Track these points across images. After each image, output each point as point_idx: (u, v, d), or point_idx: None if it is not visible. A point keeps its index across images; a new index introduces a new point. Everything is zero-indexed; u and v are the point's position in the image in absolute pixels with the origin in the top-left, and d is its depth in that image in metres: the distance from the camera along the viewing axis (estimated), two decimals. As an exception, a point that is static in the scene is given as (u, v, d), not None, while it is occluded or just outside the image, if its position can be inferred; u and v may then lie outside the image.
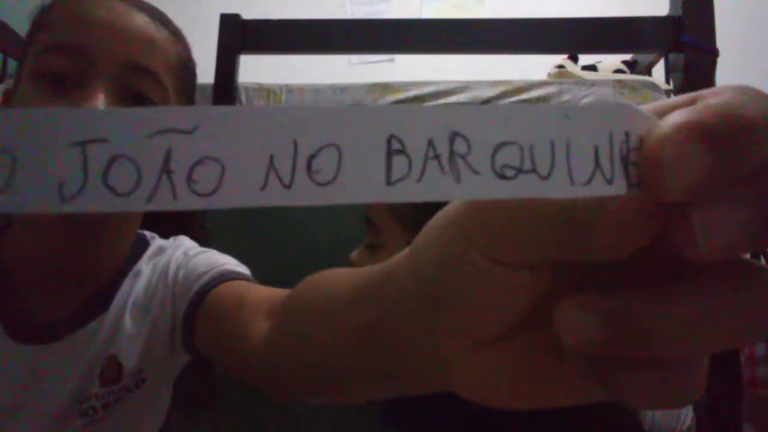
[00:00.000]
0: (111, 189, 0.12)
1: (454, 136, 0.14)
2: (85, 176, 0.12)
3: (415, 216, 0.67)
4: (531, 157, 0.14)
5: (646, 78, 1.39)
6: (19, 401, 0.49)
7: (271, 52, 1.40)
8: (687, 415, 1.30)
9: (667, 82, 1.39)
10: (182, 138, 0.13)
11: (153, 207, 0.12)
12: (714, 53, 1.17)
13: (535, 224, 0.15)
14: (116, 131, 0.12)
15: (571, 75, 1.50)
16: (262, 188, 0.13)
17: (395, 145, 0.13)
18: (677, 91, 1.24)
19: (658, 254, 0.16)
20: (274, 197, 0.13)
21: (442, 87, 1.27)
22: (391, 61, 2.51)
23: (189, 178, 0.13)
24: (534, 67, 1.60)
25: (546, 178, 0.14)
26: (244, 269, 0.56)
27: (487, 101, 1.25)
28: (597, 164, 0.14)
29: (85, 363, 0.51)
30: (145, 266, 0.57)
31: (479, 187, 0.14)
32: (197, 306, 0.52)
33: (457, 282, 0.18)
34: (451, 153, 0.13)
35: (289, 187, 0.13)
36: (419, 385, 0.24)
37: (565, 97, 1.23)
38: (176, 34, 0.55)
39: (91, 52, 0.47)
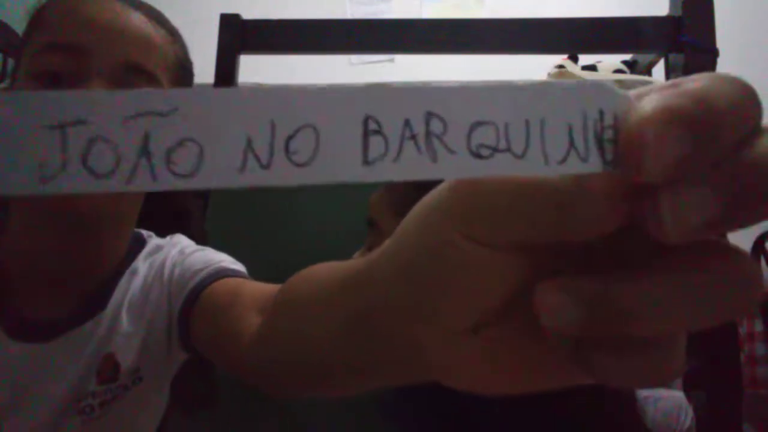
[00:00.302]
0: (90, 170, 0.13)
1: (429, 116, 0.14)
2: (64, 158, 0.12)
3: None
4: (506, 136, 0.14)
5: (646, 78, 1.39)
6: (18, 400, 0.49)
7: (271, 52, 1.40)
8: (687, 415, 1.30)
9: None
10: (161, 120, 0.13)
11: (132, 188, 0.13)
12: (714, 53, 1.17)
13: (516, 205, 0.15)
14: (95, 114, 0.13)
15: (571, 75, 1.50)
16: (241, 169, 0.13)
17: (372, 126, 0.13)
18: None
19: (632, 240, 0.16)
20: (253, 178, 0.13)
21: (442, 87, 1.26)
22: (391, 61, 2.51)
23: (168, 160, 0.13)
24: (534, 67, 1.60)
25: (521, 157, 0.14)
26: (239, 267, 0.56)
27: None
28: (571, 142, 0.14)
29: (83, 361, 0.52)
30: (142, 265, 0.57)
31: (455, 166, 0.14)
32: (193, 303, 0.52)
33: (438, 266, 0.18)
34: (428, 133, 0.14)
35: (267, 167, 0.13)
36: (406, 376, 0.23)
37: (565, 97, 1.23)
38: (173, 34, 0.55)
39: (88, 51, 0.47)
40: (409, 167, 0.13)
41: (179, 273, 0.55)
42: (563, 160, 0.14)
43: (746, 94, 0.14)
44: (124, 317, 0.54)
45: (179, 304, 0.53)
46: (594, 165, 0.14)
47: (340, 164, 0.13)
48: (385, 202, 0.72)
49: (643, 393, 1.36)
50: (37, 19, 0.51)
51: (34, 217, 0.50)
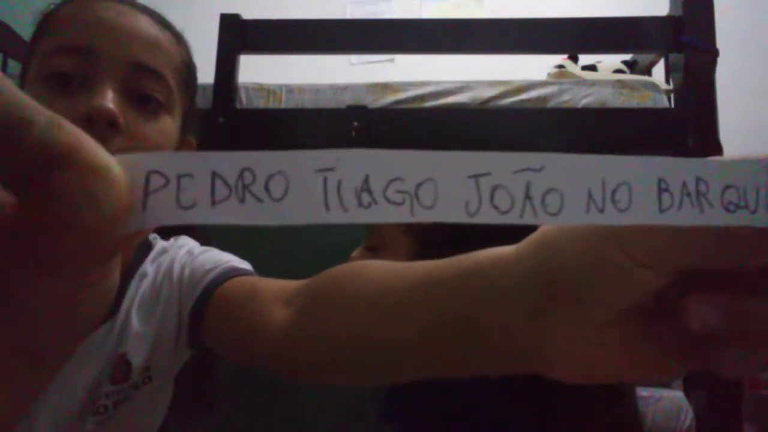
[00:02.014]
0: (496, 208, 0.18)
1: (698, 180, 0.19)
2: (479, 199, 0.18)
3: None
4: (745, 196, 0.19)
5: (646, 78, 1.39)
6: (40, 404, 0.50)
7: (271, 52, 1.40)
8: (687, 415, 1.30)
9: (667, 82, 1.39)
10: (535, 174, 0.18)
11: (521, 221, 0.18)
12: (714, 53, 1.17)
13: (692, 239, 0.19)
14: (495, 168, 0.18)
15: (571, 75, 1.50)
16: (587, 212, 0.18)
17: (663, 185, 0.19)
18: (677, 90, 1.24)
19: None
20: (594, 218, 0.18)
21: (441, 87, 1.27)
22: (391, 61, 2.52)
23: (543, 202, 0.18)
24: (534, 67, 1.60)
25: (753, 212, 0.19)
26: (247, 266, 0.57)
27: (486, 101, 1.25)
28: None
29: (99, 363, 0.53)
30: (150, 267, 0.58)
31: (713, 217, 0.19)
32: (206, 301, 0.53)
33: (593, 278, 0.22)
34: (698, 192, 0.19)
35: (602, 211, 0.18)
36: (506, 367, 0.27)
37: (565, 97, 1.23)
38: (178, 37, 0.56)
39: (97, 53, 0.48)
40: (686, 216, 0.19)
41: (189, 273, 0.56)
42: None
43: None
44: (135, 318, 0.54)
45: (191, 302, 0.54)
46: None
47: (644, 211, 0.18)
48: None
49: (643, 393, 1.36)
50: (45, 23, 0.51)
51: None
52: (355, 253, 0.76)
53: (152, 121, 0.50)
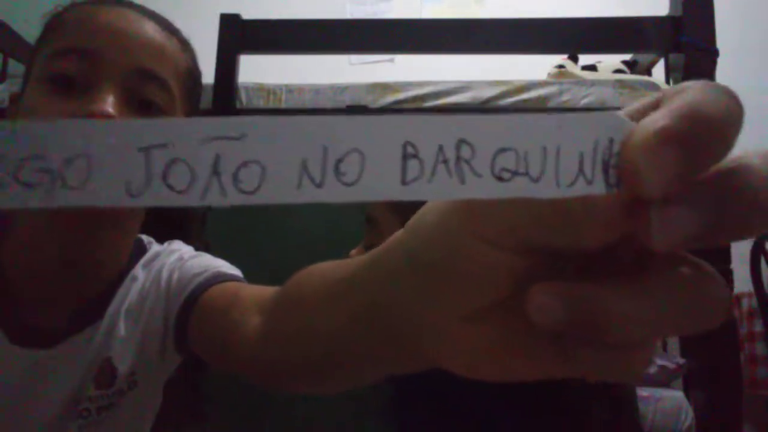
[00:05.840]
0: (170, 187, 0.15)
1: (461, 143, 0.15)
2: (148, 176, 0.14)
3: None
4: (525, 161, 0.16)
5: (646, 78, 1.39)
6: (20, 404, 0.50)
7: (271, 52, 1.40)
8: (687, 415, 1.30)
9: (667, 82, 1.39)
10: (230, 144, 0.15)
11: (205, 203, 0.15)
12: (714, 53, 1.18)
13: (525, 212, 0.17)
14: (174, 138, 0.15)
15: (571, 75, 1.50)
16: (298, 187, 0.15)
17: (410, 150, 0.15)
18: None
19: (624, 246, 0.18)
20: (307, 195, 0.15)
21: (441, 87, 1.27)
22: (391, 61, 2.51)
23: (235, 179, 0.15)
24: (534, 67, 1.60)
25: (536, 180, 0.16)
26: (236, 272, 0.56)
27: (486, 101, 1.25)
28: (580, 168, 0.16)
29: (82, 366, 0.52)
30: (141, 272, 0.57)
31: (480, 188, 0.15)
32: (191, 306, 0.53)
33: (451, 261, 0.20)
34: (458, 158, 0.15)
35: (320, 186, 0.15)
36: (408, 362, 0.26)
37: (565, 97, 1.23)
38: (184, 43, 0.56)
39: (100, 56, 0.48)
40: (441, 188, 0.15)
41: (177, 278, 0.55)
42: (572, 184, 0.16)
43: (733, 106, 0.15)
44: (122, 323, 0.54)
45: (177, 307, 0.54)
46: (598, 188, 0.16)
47: (382, 184, 0.15)
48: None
49: (643, 393, 1.36)
50: (52, 25, 0.52)
51: (38, 222, 0.50)
52: (353, 252, 0.76)
53: None
